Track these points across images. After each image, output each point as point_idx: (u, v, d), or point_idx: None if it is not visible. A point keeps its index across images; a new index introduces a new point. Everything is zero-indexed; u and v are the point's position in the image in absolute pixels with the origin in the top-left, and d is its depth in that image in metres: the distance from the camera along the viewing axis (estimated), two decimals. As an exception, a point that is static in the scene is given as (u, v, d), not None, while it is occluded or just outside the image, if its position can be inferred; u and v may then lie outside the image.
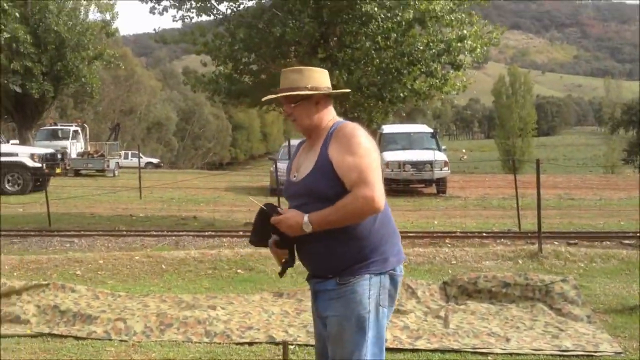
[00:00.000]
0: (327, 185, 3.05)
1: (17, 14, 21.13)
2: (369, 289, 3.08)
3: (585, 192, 22.35)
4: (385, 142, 22.61)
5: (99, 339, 6.23)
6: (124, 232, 12.14)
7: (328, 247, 3.08)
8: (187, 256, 9.57)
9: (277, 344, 6.01)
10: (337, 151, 3.04)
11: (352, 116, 26.53)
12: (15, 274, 9.02)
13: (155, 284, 8.61)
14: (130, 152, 44.87)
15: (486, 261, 9.07)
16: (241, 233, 11.91)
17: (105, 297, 7.61)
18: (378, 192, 2.97)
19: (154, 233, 12.06)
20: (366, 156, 3.02)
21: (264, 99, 3.51)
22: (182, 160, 78.49)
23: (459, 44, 12.28)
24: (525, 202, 14.51)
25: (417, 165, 21.07)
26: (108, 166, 30.56)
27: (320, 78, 3.19)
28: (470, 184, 25.75)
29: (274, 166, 22.81)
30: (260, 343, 6.05)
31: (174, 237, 11.58)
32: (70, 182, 25.38)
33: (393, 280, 3.19)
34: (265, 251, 9.86)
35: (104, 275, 9.00)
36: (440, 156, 21.41)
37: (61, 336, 6.31)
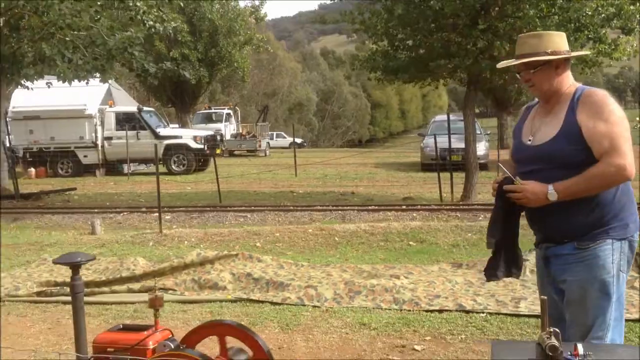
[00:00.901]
0: (572, 151, 3.01)
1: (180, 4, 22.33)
2: (611, 253, 3.05)
3: None
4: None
5: (293, 305, 6.59)
6: (291, 207, 12.64)
7: (568, 213, 3.05)
8: (357, 229, 9.83)
9: (467, 311, 6.08)
10: (588, 117, 2.99)
11: (491, 88, 25.80)
12: (202, 245, 9.68)
13: (332, 255, 8.93)
14: (274, 133, 46.35)
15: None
16: (404, 207, 12.04)
17: (290, 266, 8.02)
18: (630, 160, 2.92)
19: (319, 207, 12.46)
20: (618, 124, 2.96)
21: (499, 65, 3.50)
22: (322, 139, 79.93)
23: (631, 7, 11.60)
24: None
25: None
26: (260, 146, 31.82)
27: (560, 42, 3.16)
28: None
29: (423, 142, 22.81)
30: (450, 311, 6.13)
31: (339, 212, 11.92)
32: (227, 162, 26.67)
33: (631, 247, 3.15)
34: (435, 224, 9.89)
35: (282, 247, 9.46)
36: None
37: (258, 301, 6.74)
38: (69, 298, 7.04)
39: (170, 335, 3.30)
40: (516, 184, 3.10)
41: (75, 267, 3.16)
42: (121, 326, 3.40)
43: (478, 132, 18.71)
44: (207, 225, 11.38)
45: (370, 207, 12.19)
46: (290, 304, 6.61)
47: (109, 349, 3.21)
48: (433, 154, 21.16)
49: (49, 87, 17.25)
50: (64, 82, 15.70)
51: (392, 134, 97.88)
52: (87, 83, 16.91)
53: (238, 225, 11.30)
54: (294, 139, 27.61)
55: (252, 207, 12.86)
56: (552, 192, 2.99)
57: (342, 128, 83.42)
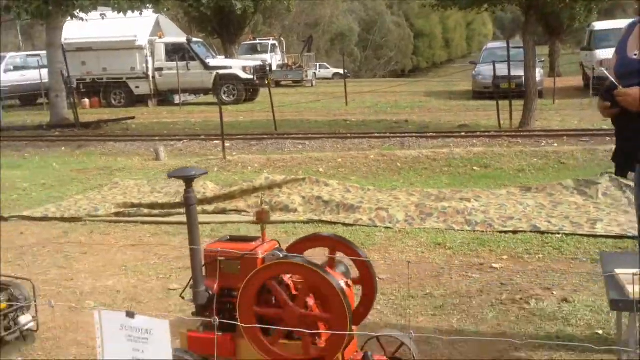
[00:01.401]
0: None
1: None
2: None
3: None
4: (596, 40, 21.15)
5: (366, 226, 6.71)
6: (348, 135, 12.68)
7: None
8: (419, 155, 9.85)
9: (542, 232, 6.12)
10: None
11: (550, 12, 24.96)
12: (265, 171, 9.83)
13: (396, 180, 8.99)
14: (318, 64, 45.95)
15: None
16: (463, 134, 11.98)
17: (356, 190, 8.12)
18: None
19: (377, 135, 12.47)
20: None
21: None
22: (364, 70, 79.03)
23: None
24: None
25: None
26: (306, 76, 31.69)
27: None
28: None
29: (475, 69, 22.40)
30: (525, 232, 6.17)
31: (398, 138, 11.92)
32: (275, 92, 26.64)
33: None
34: (498, 150, 9.81)
35: (344, 172, 9.55)
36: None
37: (331, 222, 6.87)
38: (147, 218, 7.33)
39: (277, 246, 3.41)
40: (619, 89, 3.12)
41: (188, 181, 3.27)
42: (228, 237, 3.52)
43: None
44: (267, 152, 11.52)
45: (428, 134, 12.15)
46: (363, 225, 6.74)
47: (219, 258, 3.34)
48: (486, 82, 20.87)
49: (103, 18, 17.34)
50: (118, 12, 15.79)
51: (435, 63, 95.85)
52: (140, 13, 16.95)
53: (297, 152, 11.40)
54: (344, 70, 27.34)
55: (309, 135, 12.93)
56: None
57: (385, 58, 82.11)
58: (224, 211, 7.46)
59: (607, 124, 13.03)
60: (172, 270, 5.55)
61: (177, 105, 22.33)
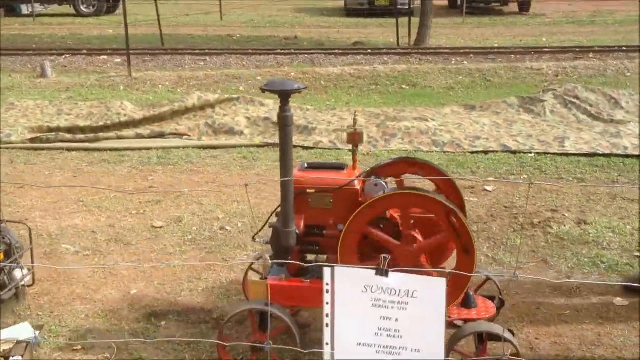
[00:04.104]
0: None
1: None
2: None
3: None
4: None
5: (327, 149, 6.31)
6: (250, 51, 11.92)
7: None
8: (342, 72, 9.46)
9: (513, 152, 6.04)
10: None
11: None
12: (179, 90, 9.01)
13: (326, 99, 8.59)
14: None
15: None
16: (369, 51, 11.70)
17: (295, 110, 7.51)
18: None
19: (281, 51, 11.84)
20: None
21: None
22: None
23: None
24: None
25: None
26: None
27: None
28: (551, 1, 24.65)
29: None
30: (496, 152, 6.06)
31: (306, 55, 11.38)
32: (136, 3, 24.65)
33: None
34: (422, 67, 9.64)
35: (268, 91, 8.93)
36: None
37: (288, 146, 6.36)
38: (73, 144, 6.39)
39: (373, 174, 2.93)
40: None
41: (285, 96, 2.66)
42: (306, 165, 2.98)
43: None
44: (168, 69, 10.55)
45: (336, 52, 11.69)
46: (324, 148, 6.33)
47: (309, 190, 2.82)
48: (360, -1, 20.68)
49: None
50: None
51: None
52: None
53: (204, 68, 10.56)
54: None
55: (206, 51, 12.02)
56: None
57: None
58: (162, 135, 6.68)
59: (502, 42, 13.38)
60: (142, 205, 4.84)
61: (30, 16, 19.97)
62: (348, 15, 21.05)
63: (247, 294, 3.23)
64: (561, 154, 5.95)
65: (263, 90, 2.68)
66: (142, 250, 4.07)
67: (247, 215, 4.61)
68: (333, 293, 1.63)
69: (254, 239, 2.93)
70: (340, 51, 11.75)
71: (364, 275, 1.61)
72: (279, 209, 2.84)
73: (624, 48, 11.30)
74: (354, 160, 2.95)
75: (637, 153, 5.86)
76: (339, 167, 2.97)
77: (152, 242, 4.19)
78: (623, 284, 3.50)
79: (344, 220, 2.75)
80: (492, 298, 2.93)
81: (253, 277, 3.20)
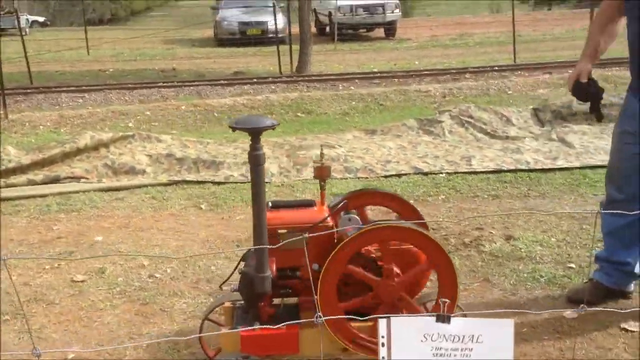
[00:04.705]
0: None
1: None
2: None
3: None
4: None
5: (240, 182, 6.10)
6: (130, 85, 11.45)
7: None
8: (235, 103, 9.31)
9: (425, 174, 6.12)
10: None
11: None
12: (62, 130, 8.47)
13: (221, 132, 8.36)
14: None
15: (540, 89, 9.41)
16: (255, 80, 11.60)
17: (194, 144, 7.34)
18: None
19: (163, 84, 11.48)
20: None
21: None
22: (58, 18, 73.01)
23: None
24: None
25: (369, 8, 20.74)
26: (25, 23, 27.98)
27: None
28: (413, 26, 25.75)
29: (218, 15, 21.79)
30: (409, 174, 6.12)
31: (191, 87, 11.10)
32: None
33: None
34: (313, 94, 9.68)
35: (159, 126, 8.63)
36: (392, -1, 21.19)
37: (197, 182, 6.12)
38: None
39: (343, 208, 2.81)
40: None
41: (256, 134, 2.49)
42: (270, 204, 2.81)
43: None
44: (45, 109, 9.90)
45: (222, 82, 11.48)
46: (236, 182, 6.12)
47: (280, 231, 2.66)
48: (232, 28, 20.58)
49: None
50: None
51: (133, 12, 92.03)
52: None
53: (79, 106, 10.00)
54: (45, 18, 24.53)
55: (83, 87, 11.44)
56: None
57: (79, 6, 76.67)
58: (57, 180, 6.19)
59: (377, 67, 13.74)
60: (54, 258, 4.41)
61: None
62: (220, 45, 20.92)
63: (206, 349, 2.98)
64: (470, 172, 6.10)
65: (233, 129, 2.50)
66: (69, 309, 3.68)
67: (174, 259, 4.32)
68: (389, 345, 1.49)
69: (220, 287, 2.72)
70: (225, 81, 11.56)
71: (424, 323, 1.48)
72: (248, 253, 2.66)
73: (496, 68, 11.94)
74: (322, 196, 2.82)
75: (539, 167, 6.12)
76: (308, 204, 2.82)
77: (77, 299, 3.81)
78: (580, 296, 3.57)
79: (318, 259, 2.62)
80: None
81: (223, 329, 2.95)
